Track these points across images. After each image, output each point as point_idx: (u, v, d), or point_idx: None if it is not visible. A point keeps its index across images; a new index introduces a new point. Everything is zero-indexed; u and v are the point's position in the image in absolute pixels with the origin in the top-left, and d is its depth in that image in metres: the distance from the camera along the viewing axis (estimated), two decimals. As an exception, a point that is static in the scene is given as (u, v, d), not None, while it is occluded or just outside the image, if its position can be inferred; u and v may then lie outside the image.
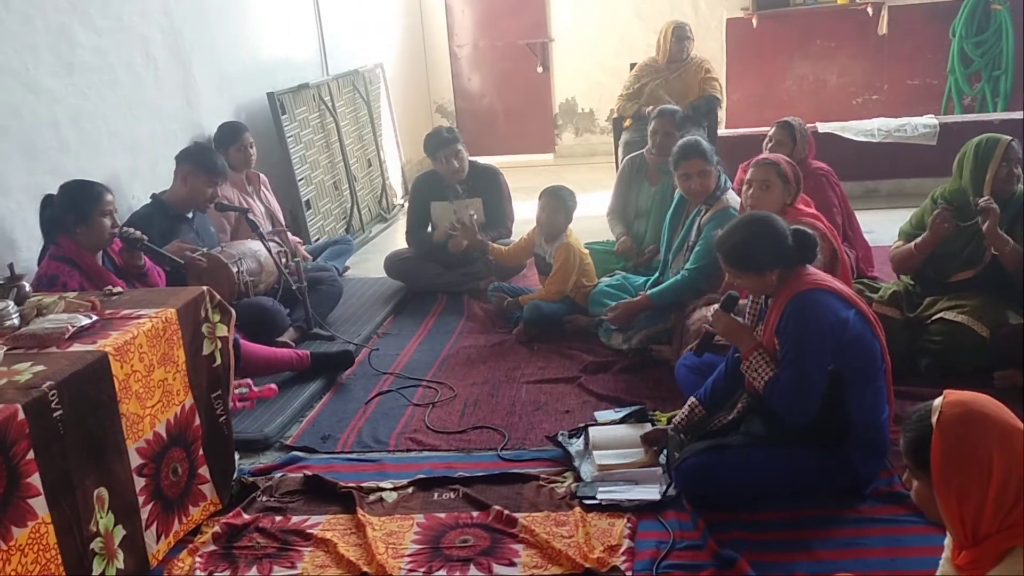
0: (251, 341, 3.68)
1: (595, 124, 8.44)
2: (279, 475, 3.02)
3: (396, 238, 6.11)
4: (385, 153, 6.91)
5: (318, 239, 5.51)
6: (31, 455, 2.07)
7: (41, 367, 2.25)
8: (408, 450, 3.21)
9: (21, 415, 2.05)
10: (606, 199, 4.92)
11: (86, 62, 3.85)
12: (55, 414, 2.15)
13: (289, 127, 5.42)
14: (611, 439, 3.02)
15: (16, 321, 2.54)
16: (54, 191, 3.25)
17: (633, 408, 3.22)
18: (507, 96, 8.61)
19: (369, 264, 5.57)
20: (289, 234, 4.78)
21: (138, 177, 4.15)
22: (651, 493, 2.74)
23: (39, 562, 2.08)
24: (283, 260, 4.16)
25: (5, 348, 2.35)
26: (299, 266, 4.21)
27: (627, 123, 6.00)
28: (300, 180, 5.47)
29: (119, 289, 2.87)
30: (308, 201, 5.55)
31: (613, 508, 2.70)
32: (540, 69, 8.42)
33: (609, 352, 3.90)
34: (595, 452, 2.95)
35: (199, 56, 4.70)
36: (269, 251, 4.08)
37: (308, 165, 5.63)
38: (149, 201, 3.92)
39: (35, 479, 2.08)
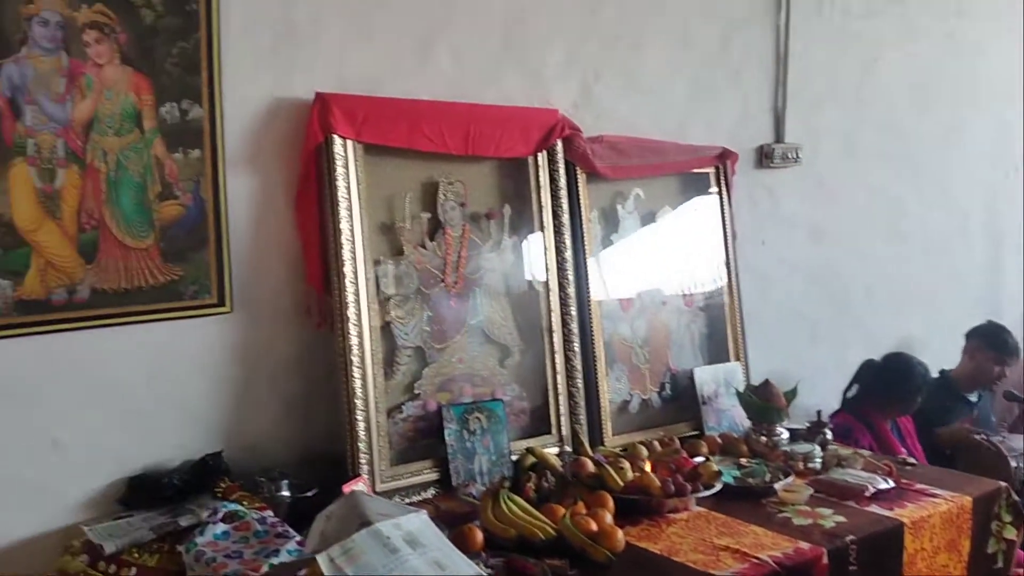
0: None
1: None
2: None
3: None
4: None
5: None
6: (824, 600, 2.19)
7: (842, 518, 2.38)
8: None
9: (825, 559, 2.18)
10: None
11: (911, 231, 4.06)
12: (850, 568, 2.24)
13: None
14: None
15: (818, 465, 2.75)
16: (852, 343, 3.53)
17: None
18: None
19: None
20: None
21: (928, 347, 4.17)
22: None
23: None
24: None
25: (811, 490, 2.55)
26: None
27: None
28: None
29: (913, 460, 2.90)
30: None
31: None
32: None
33: None
34: None
35: (1012, 237, 4.57)
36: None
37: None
38: (936, 376, 3.91)
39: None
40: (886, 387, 3.42)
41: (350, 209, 2.41)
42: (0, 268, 2.05)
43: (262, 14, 2.38)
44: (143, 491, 2.23)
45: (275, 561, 1.86)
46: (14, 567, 2.13)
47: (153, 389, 2.29)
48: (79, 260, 2.15)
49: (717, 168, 3.25)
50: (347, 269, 2.38)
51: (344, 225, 2.39)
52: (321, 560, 1.54)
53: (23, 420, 2.12)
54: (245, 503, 2.17)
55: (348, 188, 2.41)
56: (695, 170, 3.20)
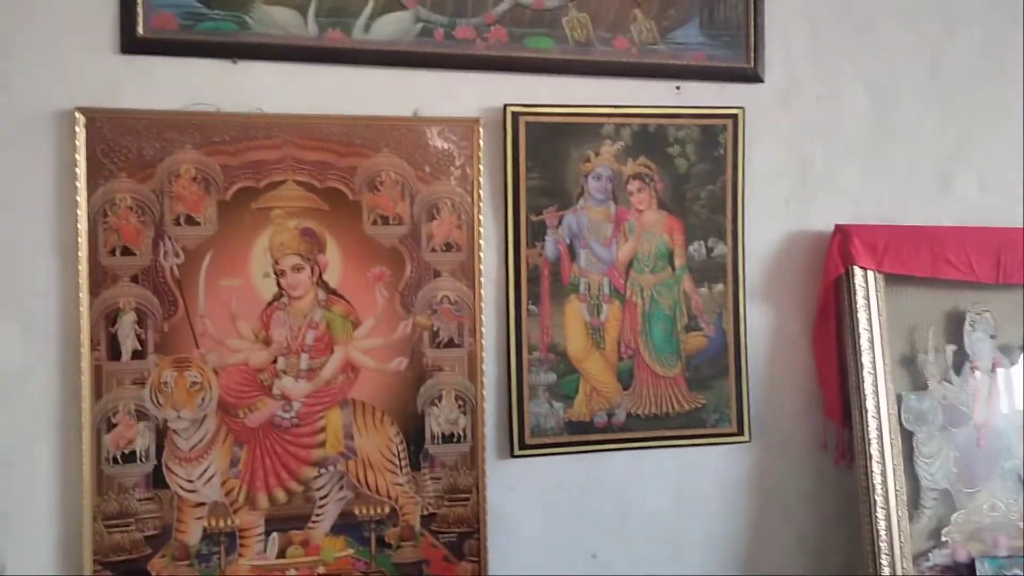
0: None
1: None
2: None
3: None
4: None
5: None
6: None
7: None
8: None
9: None
10: None
11: None
12: None
13: None
14: None
15: None
16: None
17: None
18: None
19: None
20: None
21: None
22: None
23: None
24: None
25: None
26: None
27: None
28: None
29: None
30: None
31: None
32: None
33: None
34: None
35: None
36: None
37: None
38: None
39: None
40: None
41: (871, 341, 2.35)
42: (555, 392, 2.33)
43: (782, 155, 2.48)
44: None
45: None
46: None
47: (678, 510, 2.40)
48: (618, 386, 2.37)
49: None
50: (869, 403, 2.32)
51: (866, 358, 2.34)
52: None
53: (567, 531, 2.34)
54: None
55: (869, 319, 2.37)
56: None
